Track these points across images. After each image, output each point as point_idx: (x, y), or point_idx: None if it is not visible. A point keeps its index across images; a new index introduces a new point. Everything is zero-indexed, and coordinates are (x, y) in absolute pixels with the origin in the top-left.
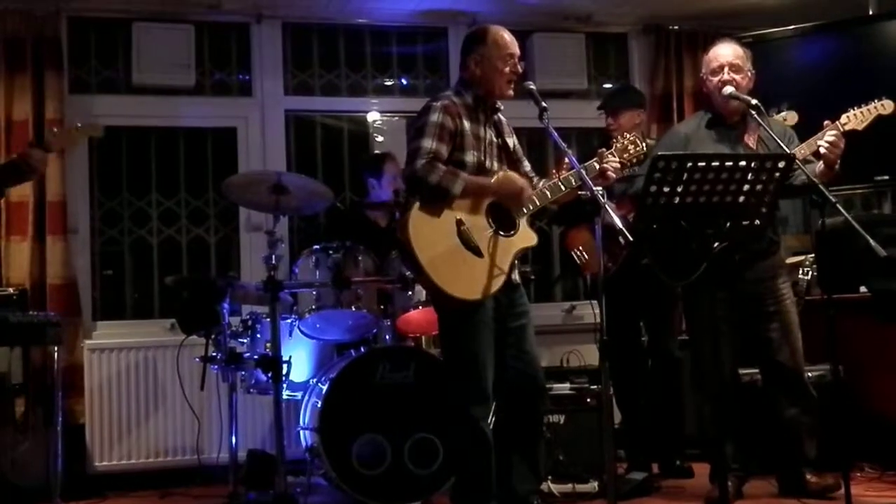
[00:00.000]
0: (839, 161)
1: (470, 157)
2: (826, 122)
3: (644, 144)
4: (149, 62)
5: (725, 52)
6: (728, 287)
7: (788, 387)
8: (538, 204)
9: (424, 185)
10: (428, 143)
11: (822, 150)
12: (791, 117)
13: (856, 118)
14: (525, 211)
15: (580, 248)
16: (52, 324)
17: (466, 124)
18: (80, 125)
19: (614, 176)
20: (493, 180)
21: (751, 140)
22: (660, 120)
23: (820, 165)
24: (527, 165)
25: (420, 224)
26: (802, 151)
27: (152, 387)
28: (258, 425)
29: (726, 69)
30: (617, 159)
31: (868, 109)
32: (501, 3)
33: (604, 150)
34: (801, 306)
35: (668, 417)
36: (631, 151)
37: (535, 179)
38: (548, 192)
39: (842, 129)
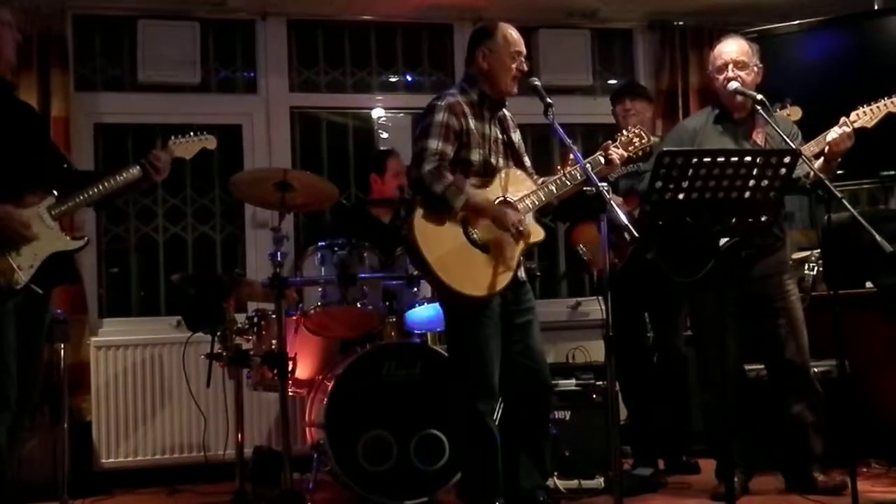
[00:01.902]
0: (840, 157)
1: (476, 155)
2: (843, 119)
3: (649, 137)
4: (154, 60)
5: (730, 48)
6: (734, 283)
7: (794, 383)
8: (543, 200)
9: (429, 193)
10: (434, 144)
11: (829, 139)
12: (794, 112)
13: (865, 115)
14: (530, 207)
15: (585, 244)
16: (58, 321)
17: (471, 122)
18: (196, 136)
19: (619, 165)
20: (492, 209)
21: (759, 136)
22: (665, 116)
23: (819, 161)
24: (527, 161)
25: (426, 222)
26: (811, 149)
27: (158, 384)
28: (264, 422)
29: (731, 66)
30: (622, 151)
31: (878, 106)
32: None
33: (608, 142)
34: (807, 302)
35: (674, 413)
36: (636, 144)
37: (535, 177)
38: (553, 188)
39: (851, 127)
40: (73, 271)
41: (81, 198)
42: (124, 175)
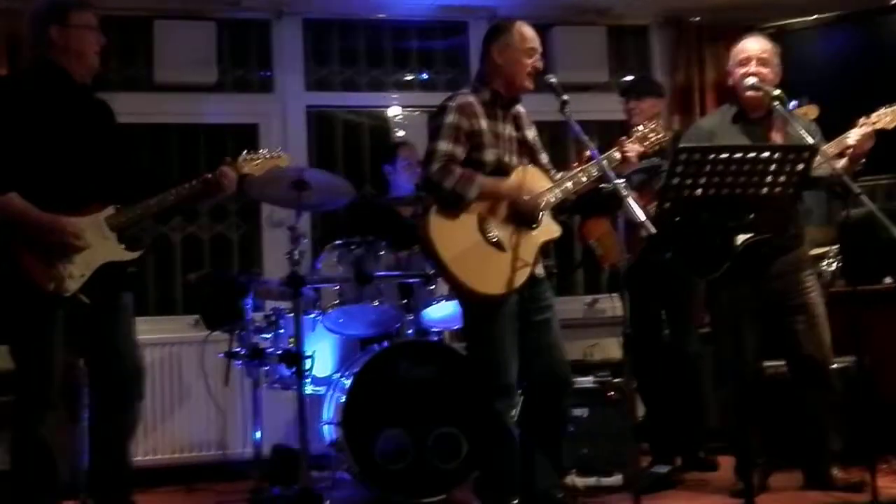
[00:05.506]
0: (864, 157)
1: (489, 155)
2: (861, 119)
3: (665, 132)
4: (170, 60)
5: (753, 45)
6: (752, 280)
7: (814, 379)
8: (560, 197)
9: (440, 190)
10: (443, 146)
11: (849, 142)
12: (812, 111)
13: (887, 116)
14: (541, 213)
15: (597, 239)
16: None
17: (483, 123)
18: (267, 153)
19: (635, 161)
20: (506, 188)
21: (777, 136)
22: (681, 112)
23: (843, 161)
24: (544, 157)
25: (441, 221)
26: (831, 150)
27: (177, 383)
28: (282, 420)
29: (754, 61)
30: (637, 146)
31: None
32: None
33: (623, 138)
34: (824, 298)
35: (691, 410)
36: (652, 139)
37: (553, 172)
38: (570, 185)
39: (872, 127)
40: (135, 280)
41: (140, 210)
42: (186, 190)
